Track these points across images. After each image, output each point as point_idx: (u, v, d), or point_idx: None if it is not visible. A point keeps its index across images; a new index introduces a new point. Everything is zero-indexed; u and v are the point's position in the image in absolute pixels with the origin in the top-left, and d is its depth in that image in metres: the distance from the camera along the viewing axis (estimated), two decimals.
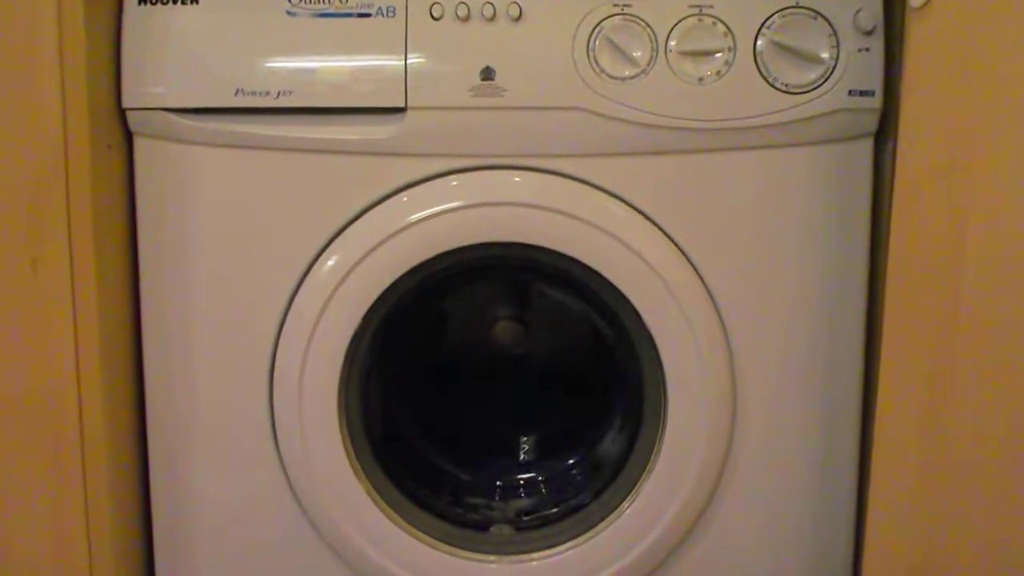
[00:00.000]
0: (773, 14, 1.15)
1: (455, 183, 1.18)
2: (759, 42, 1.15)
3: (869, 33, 1.15)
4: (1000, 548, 1.12)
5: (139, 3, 1.16)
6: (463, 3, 1.15)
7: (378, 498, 1.24)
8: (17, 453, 1.14)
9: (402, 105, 1.15)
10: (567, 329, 1.43)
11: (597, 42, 1.15)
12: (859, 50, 1.15)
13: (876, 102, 1.16)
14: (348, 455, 1.22)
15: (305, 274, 1.19)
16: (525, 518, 1.34)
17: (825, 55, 1.15)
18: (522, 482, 1.40)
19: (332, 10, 1.15)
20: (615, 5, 1.15)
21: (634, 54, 1.14)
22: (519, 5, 1.15)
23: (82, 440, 1.14)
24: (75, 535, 1.16)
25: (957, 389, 1.09)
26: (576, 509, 1.31)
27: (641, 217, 1.18)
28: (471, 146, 1.17)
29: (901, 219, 1.08)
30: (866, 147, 1.19)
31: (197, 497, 1.25)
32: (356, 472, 1.22)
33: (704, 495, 1.24)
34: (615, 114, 1.15)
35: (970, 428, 1.10)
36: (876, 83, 1.16)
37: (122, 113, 1.18)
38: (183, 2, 1.15)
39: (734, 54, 1.15)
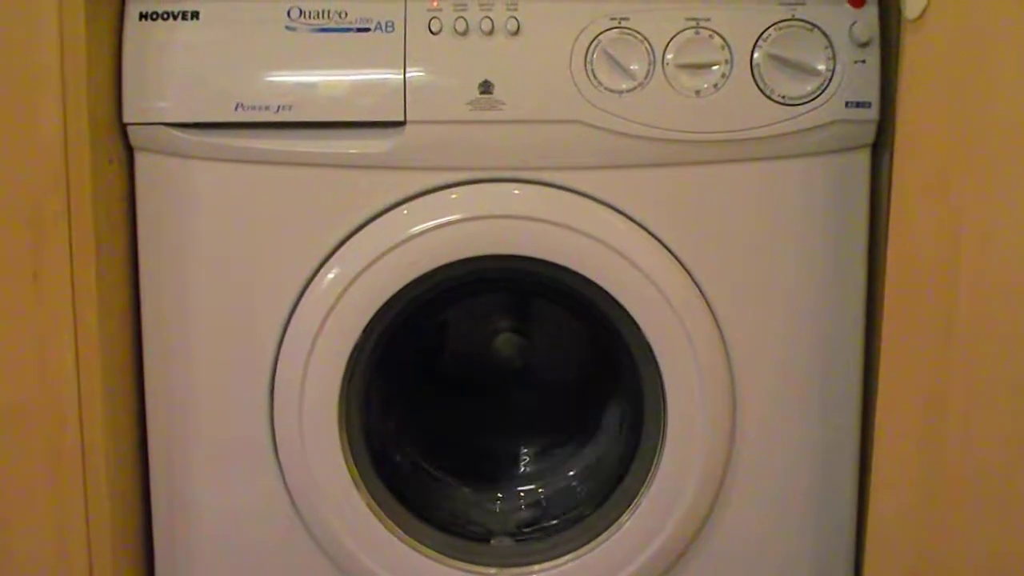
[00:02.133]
0: (769, 27, 1.15)
1: (454, 196, 1.18)
2: (756, 54, 1.15)
3: (865, 45, 1.15)
4: (998, 553, 1.12)
5: (140, 18, 1.17)
6: (461, 17, 1.16)
7: (378, 509, 1.24)
8: (18, 464, 1.14)
9: (401, 119, 1.16)
10: (567, 341, 1.43)
11: (595, 55, 1.15)
12: (855, 62, 1.16)
13: (872, 113, 1.17)
14: (348, 466, 1.22)
15: (306, 287, 1.20)
16: (525, 530, 1.34)
17: (821, 67, 1.15)
18: (522, 494, 1.40)
19: (331, 25, 1.16)
20: (612, 19, 1.15)
21: (631, 67, 1.15)
22: (517, 19, 1.16)
23: (83, 451, 1.14)
24: (76, 545, 1.16)
25: (955, 397, 1.09)
26: (576, 521, 1.31)
27: (639, 229, 1.18)
28: (470, 159, 1.18)
29: (898, 229, 1.08)
30: (863, 158, 1.19)
31: (197, 508, 1.25)
32: (356, 483, 1.22)
33: (704, 505, 1.24)
34: (613, 127, 1.16)
35: (968, 436, 1.10)
36: (872, 95, 1.16)
37: (123, 128, 1.18)
38: (184, 17, 1.16)
39: (731, 67, 1.15)
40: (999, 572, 1.12)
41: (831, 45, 1.15)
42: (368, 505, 1.23)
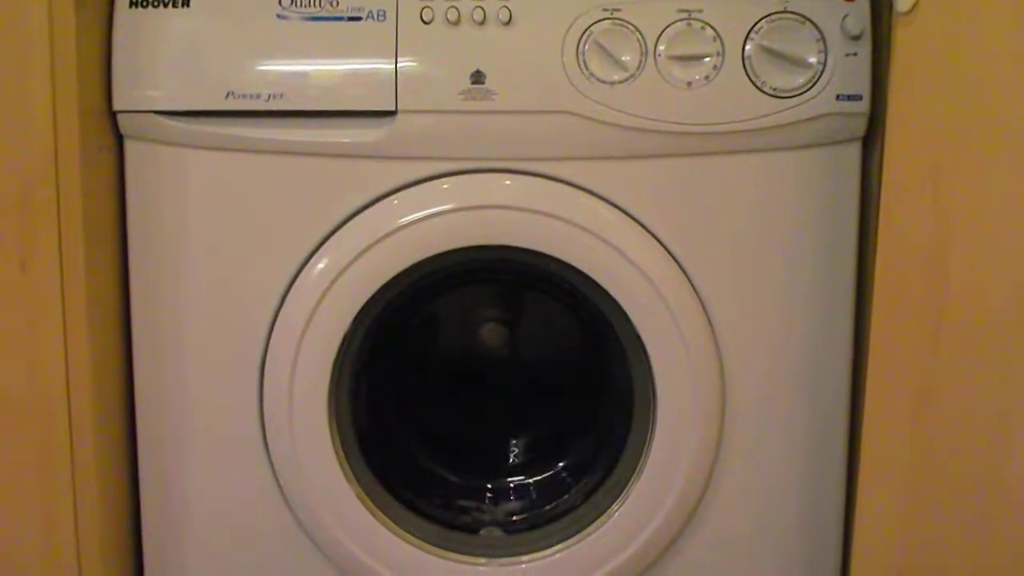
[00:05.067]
0: (761, 19, 1.15)
1: (445, 186, 1.18)
2: (747, 47, 1.15)
3: (856, 38, 1.16)
4: (986, 546, 1.13)
5: (130, 6, 1.16)
6: (453, 7, 1.15)
7: (368, 500, 1.24)
8: (6, 455, 1.13)
9: (392, 108, 1.16)
10: (557, 332, 1.43)
11: (586, 46, 1.15)
12: (847, 55, 1.16)
13: (864, 106, 1.17)
14: (338, 458, 1.22)
15: (295, 277, 1.19)
16: (515, 520, 1.34)
17: (813, 60, 1.16)
18: (512, 485, 1.40)
19: (323, 13, 1.16)
20: (604, 10, 1.15)
21: (623, 58, 1.15)
22: (509, 9, 1.15)
23: (71, 442, 1.14)
24: (64, 538, 1.15)
25: (944, 390, 1.10)
26: (566, 512, 1.31)
27: (630, 220, 1.18)
28: (461, 149, 1.17)
29: (888, 223, 1.09)
30: (854, 151, 1.19)
31: (187, 500, 1.25)
32: (346, 474, 1.22)
33: (693, 498, 1.24)
34: (604, 118, 1.16)
35: (957, 428, 1.11)
36: (864, 87, 1.16)
37: (113, 116, 1.18)
38: (174, 5, 1.16)
39: (722, 58, 1.15)
40: (987, 564, 1.13)
41: (823, 38, 1.15)
42: (358, 496, 1.23)
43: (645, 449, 1.23)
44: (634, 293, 1.18)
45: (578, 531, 1.26)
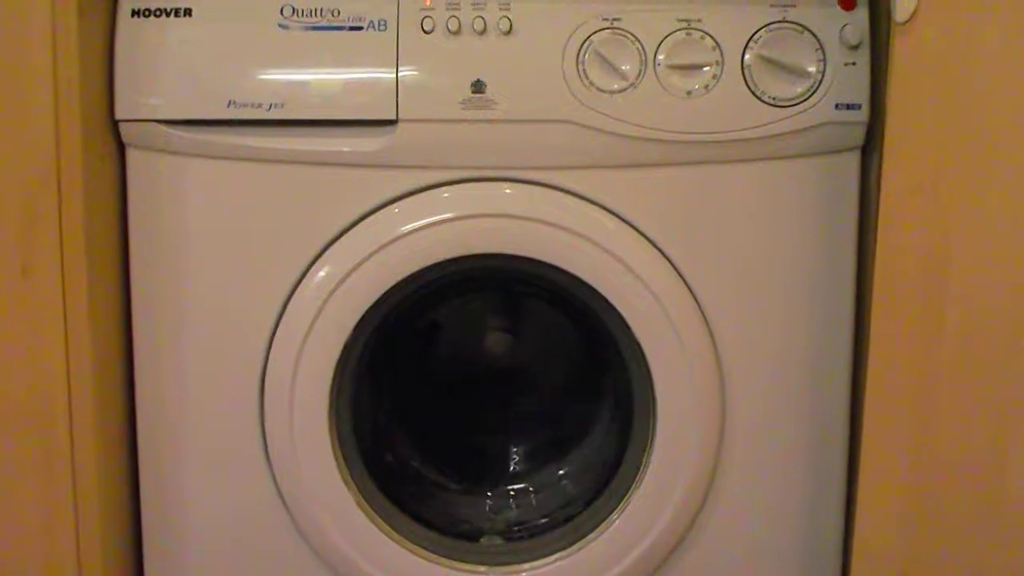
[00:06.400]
0: (760, 28, 1.16)
1: (446, 195, 1.18)
2: (746, 56, 1.16)
3: (855, 47, 1.16)
4: (986, 559, 1.13)
5: (132, 15, 1.16)
6: (454, 16, 1.16)
7: (368, 508, 1.24)
8: (6, 461, 1.14)
9: (393, 117, 1.16)
10: (558, 341, 1.44)
11: (587, 56, 1.16)
12: (845, 64, 1.16)
13: (862, 115, 1.17)
14: (338, 465, 1.22)
15: (296, 285, 1.20)
16: (515, 529, 1.34)
17: (812, 69, 1.16)
18: (512, 493, 1.40)
19: (324, 23, 1.16)
20: (604, 19, 1.16)
21: (623, 68, 1.16)
22: (510, 19, 1.16)
23: (72, 448, 1.14)
24: (64, 544, 1.15)
25: (943, 400, 1.10)
26: (566, 520, 1.31)
27: (630, 229, 1.19)
28: (462, 158, 1.18)
29: (886, 232, 1.09)
30: (853, 160, 1.19)
31: (187, 507, 1.25)
32: (346, 482, 1.22)
33: (694, 505, 1.24)
34: (604, 127, 1.16)
35: (956, 440, 1.11)
36: (862, 97, 1.17)
37: (115, 124, 1.18)
38: (176, 14, 1.16)
39: (722, 68, 1.16)
40: (988, 571, 1.13)
41: (821, 47, 1.16)
42: (359, 505, 1.23)
43: (645, 457, 1.23)
44: (633, 301, 1.19)
45: (578, 539, 1.26)
